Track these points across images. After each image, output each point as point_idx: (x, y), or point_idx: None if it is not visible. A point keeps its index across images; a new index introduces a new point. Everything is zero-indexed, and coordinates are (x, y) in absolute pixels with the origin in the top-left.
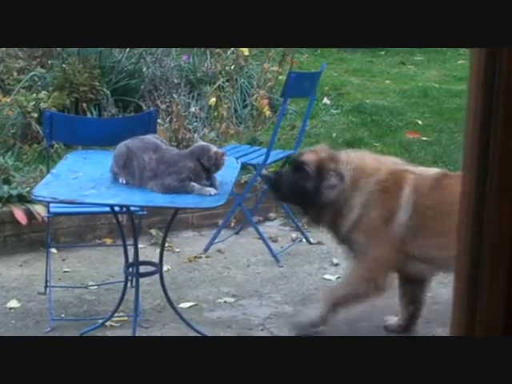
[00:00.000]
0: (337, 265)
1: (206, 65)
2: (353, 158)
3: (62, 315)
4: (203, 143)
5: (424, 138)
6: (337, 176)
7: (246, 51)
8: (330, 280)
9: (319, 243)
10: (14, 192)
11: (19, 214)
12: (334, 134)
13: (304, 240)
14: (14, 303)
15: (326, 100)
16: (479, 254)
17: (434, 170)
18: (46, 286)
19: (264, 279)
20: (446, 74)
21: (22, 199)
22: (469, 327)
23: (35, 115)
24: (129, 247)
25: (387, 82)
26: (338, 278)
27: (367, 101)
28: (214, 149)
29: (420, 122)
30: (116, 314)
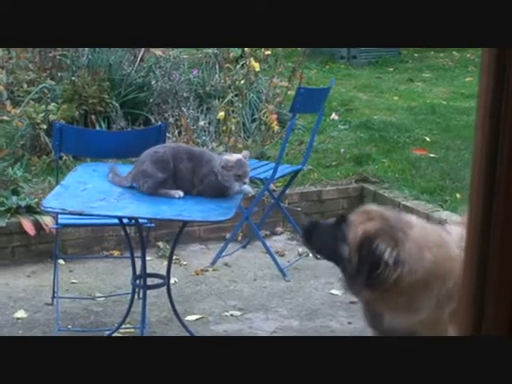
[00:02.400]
0: None
1: (215, 79)
2: (418, 235)
3: (69, 326)
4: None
5: (431, 155)
6: (391, 264)
7: (256, 67)
8: (336, 295)
9: None
10: (23, 203)
11: (27, 225)
12: (342, 150)
13: (311, 255)
14: (21, 313)
15: (334, 115)
16: (487, 254)
17: None
18: (53, 297)
19: (271, 293)
20: (453, 91)
21: (31, 210)
22: (475, 326)
23: (44, 127)
24: (136, 259)
25: (395, 98)
26: (344, 293)
27: (375, 117)
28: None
29: (427, 139)
30: (123, 326)
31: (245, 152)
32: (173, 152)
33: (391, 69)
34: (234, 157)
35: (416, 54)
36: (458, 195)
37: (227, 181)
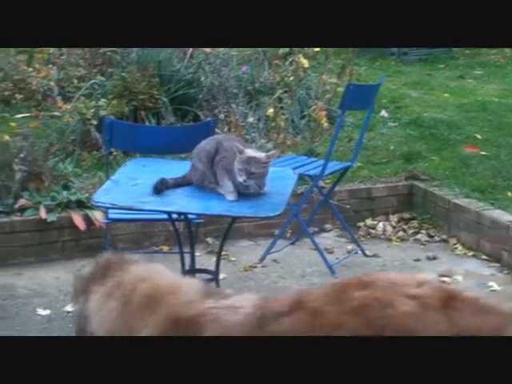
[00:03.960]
0: None
1: (264, 75)
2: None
3: None
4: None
5: (482, 153)
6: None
7: (305, 63)
8: None
9: (375, 256)
10: (73, 198)
11: (78, 220)
12: (392, 147)
13: (360, 252)
14: (71, 307)
15: (383, 112)
16: None
17: None
18: None
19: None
20: (505, 88)
21: (81, 205)
22: None
23: (94, 122)
24: (185, 255)
25: (446, 95)
26: None
27: (425, 114)
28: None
29: (479, 137)
30: None
31: (270, 152)
32: (216, 145)
33: (442, 65)
34: (248, 153)
35: (467, 51)
36: (509, 193)
37: (236, 171)
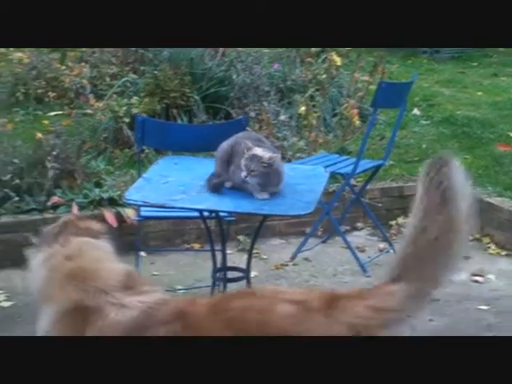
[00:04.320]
0: None
1: (295, 73)
2: None
3: None
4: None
5: None
6: None
7: (337, 61)
8: None
9: None
10: (105, 195)
11: (110, 217)
12: (424, 145)
13: (391, 251)
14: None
15: (416, 111)
16: None
17: None
18: None
19: (350, 289)
20: None
21: (113, 202)
22: None
23: (126, 120)
24: (216, 252)
25: (479, 93)
26: None
27: (458, 112)
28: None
29: None
30: None
31: (274, 154)
32: (235, 144)
33: (475, 63)
34: (254, 150)
35: (501, 49)
36: None
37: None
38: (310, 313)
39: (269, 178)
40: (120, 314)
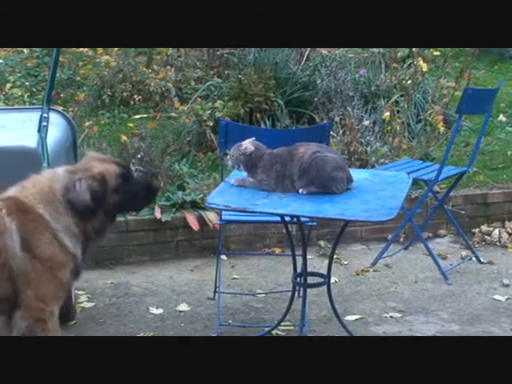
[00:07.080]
0: (507, 286)
1: (380, 78)
2: None
3: (230, 321)
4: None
5: None
6: None
7: (424, 67)
8: (499, 300)
9: (490, 263)
10: (188, 198)
11: (192, 220)
12: (509, 152)
13: (474, 258)
14: (183, 307)
15: (501, 117)
16: None
17: None
18: (215, 292)
19: (431, 296)
20: None
21: (195, 205)
22: None
23: (210, 124)
24: (297, 257)
25: None
26: (507, 298)
27: None
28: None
29: None
30: (282, 323)
31: (250, 147)
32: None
33: None
34: (244, 141)
35: None
36: None
37: None
38: None
39: (248, 168)
40: None
